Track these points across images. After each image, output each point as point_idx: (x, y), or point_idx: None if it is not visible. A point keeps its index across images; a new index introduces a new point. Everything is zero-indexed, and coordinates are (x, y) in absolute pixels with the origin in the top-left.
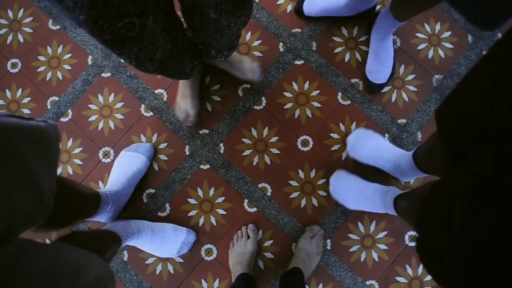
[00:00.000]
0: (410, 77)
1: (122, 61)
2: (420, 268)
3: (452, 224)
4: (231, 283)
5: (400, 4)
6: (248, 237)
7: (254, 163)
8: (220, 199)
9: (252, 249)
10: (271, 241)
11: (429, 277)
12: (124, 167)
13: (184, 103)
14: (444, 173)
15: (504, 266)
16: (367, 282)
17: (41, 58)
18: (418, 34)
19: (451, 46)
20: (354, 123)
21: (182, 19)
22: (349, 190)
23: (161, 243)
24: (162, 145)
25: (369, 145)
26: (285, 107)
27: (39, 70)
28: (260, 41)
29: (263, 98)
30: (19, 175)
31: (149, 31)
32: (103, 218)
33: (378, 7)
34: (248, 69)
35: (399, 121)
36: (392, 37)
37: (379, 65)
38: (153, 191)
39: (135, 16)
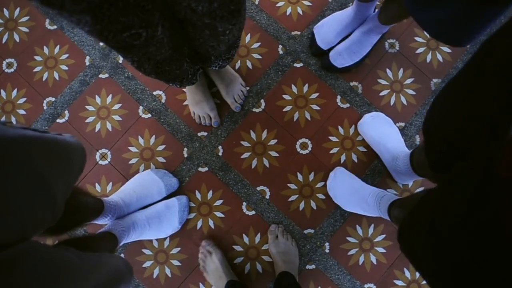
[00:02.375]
0: (408, 81)
1: (118, 57)
2: (418, 274)
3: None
4: None
5: (383, 10)
6: (210, 252)
7: (253, 166)
8: (218, 202)
9: (220, 258)
10: None
11: None
12: (141, 186)
13: (201, 108)
14: (434, 178)
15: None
16: (366, 286)
17: (38, 58)
18: (417, 38)
19: (449, 51)
20: (353, 126)
21: None
22: (346, 188)
23: (159, 223)
24: (160, 147)
25: (381, 129)
26: (284, 110)
27: (35, 70)
28: (259, 44)
29: (262, 101)
30: (31, 186)
31: (157, 40)
32: (98, 222)
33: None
34: (232, 94)
35: (397, 124)
36: (376, 38)
37: (347, 52)
38: None
39: (141, 28)
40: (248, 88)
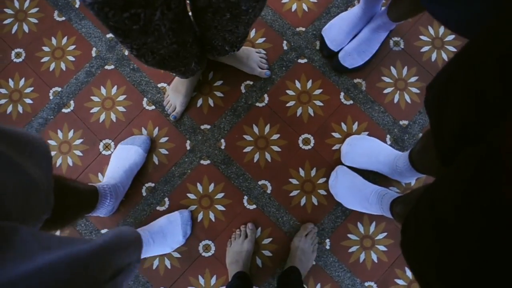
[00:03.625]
0: (413, 79)
1: (124, 49)
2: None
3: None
4: (227, 282)
5: (393, 6)
6: (246, 236)
7: (255, 160)
8: (219, 195)
9: (249, 248)
10: (270, 239)
11: None
12: (121, 159)
13: (175, 97)
14: (438, 173)
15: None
16: (366, 284)
17: (45, 48)
18: (422, 37)
19: (454, 49)
20: (356, 123)
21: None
22: (347, 187)
23: (163, 238)
24: (163, 139)
25: (363, 148)
26: (287, 105)
27: (42, 60)
28: (264, 39)
29: (265, 96)
30: (7, 170)
31: (154, 27)
32: (103, 213)
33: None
34: (256, 65)
35: (401, 122)
36: (385, 35)
37: (356, 52)
38: (153, 185)
39: (141, 7)
40: (265, 56)
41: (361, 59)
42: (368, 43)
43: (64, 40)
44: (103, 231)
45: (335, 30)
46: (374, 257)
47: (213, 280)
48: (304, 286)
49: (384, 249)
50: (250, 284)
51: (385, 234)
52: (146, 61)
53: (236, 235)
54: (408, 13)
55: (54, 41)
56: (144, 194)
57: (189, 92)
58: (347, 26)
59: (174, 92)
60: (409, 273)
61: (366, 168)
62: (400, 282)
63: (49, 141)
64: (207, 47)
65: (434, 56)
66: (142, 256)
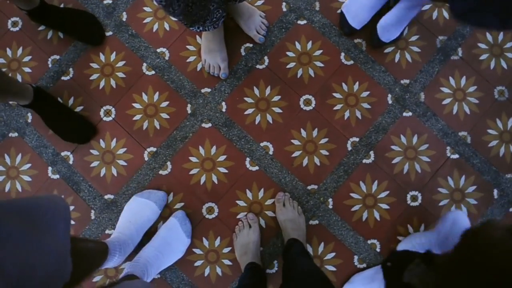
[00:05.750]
0: (414, 38)
1: (121, 15)
2: (422, 228)
3: None
4: (231, 245)
5: None
6: (250, 226)
7: (256, 122)
8: (222, 158)
9: (255, 238)
10: (273, 200)
11: None
12: (134, 214)
13: (212, 57)
14: None
15: None
16: (369, 241)
17: None
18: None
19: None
20: (357, 83)
21: None
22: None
23: (170, 247)
24: (164, 104)
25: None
26: (288, 66)
27: (40, 29)
28: (262, 1)
29: (265, 58)
30: (27, 252)
31: None
32: (110, 265)
33: None
34: (254, 27)
35: (402, 81)
36: (419, 9)
37: (393, 26)
38: (155, 149)
39: None
40: (266, 24)
41: (397, 31)
42: (405, 17)
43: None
44: (106, 196)
45: (356, 7)
46: (376, 215)
47: (217, 242)
48: (309, 252)
49: (387, 207)
50: (261, 273)
51: (387, 192)
52: (173, 11)
53: (240, 227)
54: None
55: None
56: (146, 158)
57: (223, 45)
58: (370, 1)
59: (209, 54)
60: (411, 230)
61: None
62: (402, 239)
63: None
64: None
65: (435, 14)
66: (159, 271)
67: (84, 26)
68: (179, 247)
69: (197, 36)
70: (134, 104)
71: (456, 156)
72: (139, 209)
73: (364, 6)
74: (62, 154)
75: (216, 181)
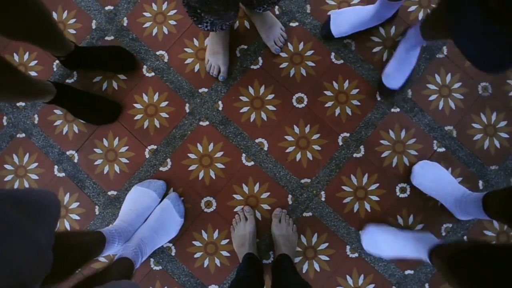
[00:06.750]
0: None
1: (122, 20)
2: (411, 219)
3: None
4: (230, 239)
5: (427, 26)
6: (246, 219)
7: (251, 120)
8: (219, 154)
9: (251, 229)
10: (268, 193)
11: (420, 226)
12: (134, 202)
13: (215, 59)
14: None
15: None
16: (360, 232)
17: None
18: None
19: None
20: (347, 81)
21: None
22: (381, 243)
23: (163, 227)
24: (163, 104)
25: (434, 174)
26: (281, 66)
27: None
28: None
29: (259, 58)
30: (11, 238)
31: None
32: (111, 252)
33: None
34: (273, 38)
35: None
36: (419, 49)
37: (398, 72)
38: (155, 147)
39: None
40: (285, 37)
41: (404, 76)
42: (408, 61)
43: (65, 14)
44: (110, 192)
45: (343, 18)
46: (367, 206)
47: (215, 234)
48: (296, 268)
49: (377, 199)
50: (258, 263)
51: (377, 185)
52: (189, 0)
53: (236, 220)
54: (443, 37)
55: (54, 15)
56: (147, 156)
57: (226, 49)
58: (356, 20)
59: (213, 55)
60: (400, 220)
61: (431, 195)
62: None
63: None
64: None
65: (421, 15)
66: (153, 250)
67: (118, 61)
68: (172, 226)
69: (195, 39)
70: (135, 105)
71: (442, 149)
72: (139, 197)
73: (350, 22)
74: (68, 153)
75: (213, 176)
